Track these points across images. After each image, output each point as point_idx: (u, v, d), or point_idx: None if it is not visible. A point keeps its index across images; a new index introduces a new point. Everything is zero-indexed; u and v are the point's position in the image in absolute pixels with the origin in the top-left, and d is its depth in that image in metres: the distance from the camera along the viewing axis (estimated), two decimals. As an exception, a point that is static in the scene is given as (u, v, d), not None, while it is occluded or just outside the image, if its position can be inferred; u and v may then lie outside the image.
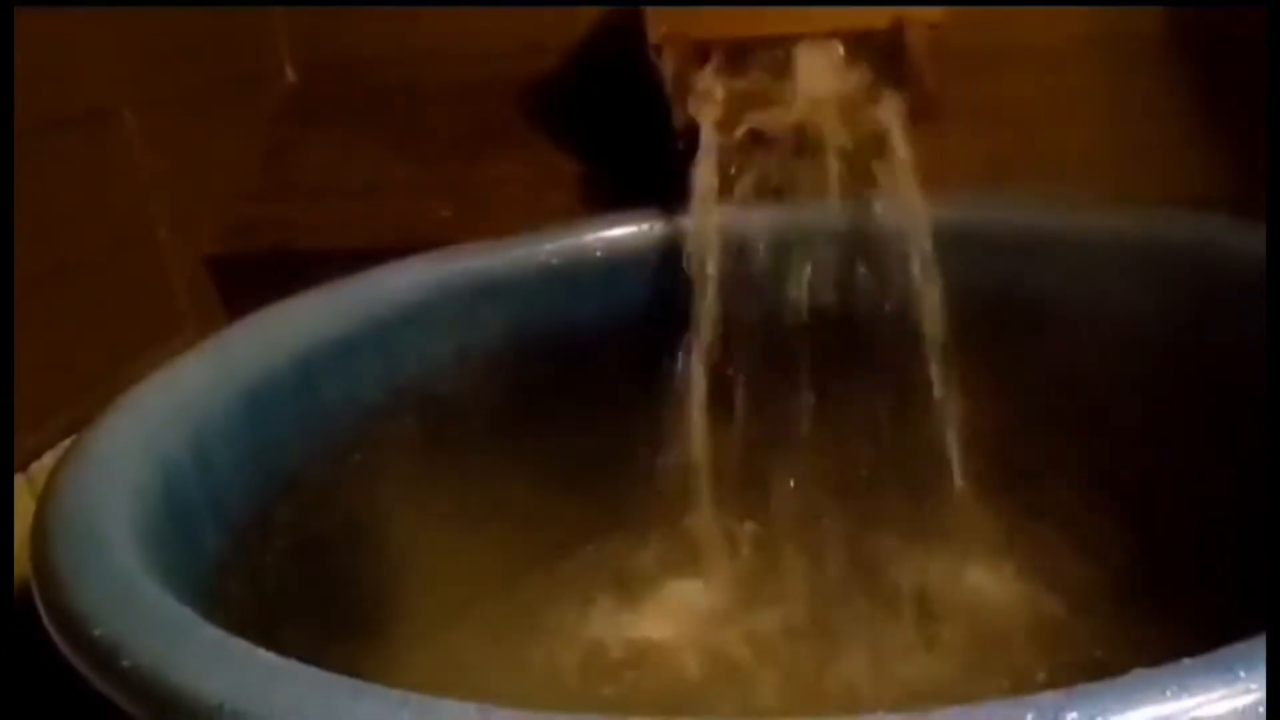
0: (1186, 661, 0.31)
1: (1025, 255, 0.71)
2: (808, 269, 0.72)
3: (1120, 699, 0.30)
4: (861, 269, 0.71)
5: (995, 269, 0.71)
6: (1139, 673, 0.31)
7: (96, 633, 0.40)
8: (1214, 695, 0.30)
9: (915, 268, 0.68)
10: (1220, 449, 0.63)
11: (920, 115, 0.71)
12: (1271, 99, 0.70)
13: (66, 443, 0.55)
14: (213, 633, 0.39)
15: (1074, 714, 0.30)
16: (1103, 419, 0.69)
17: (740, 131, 0.71)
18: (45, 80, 0.72)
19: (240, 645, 0.38)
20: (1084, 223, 0.71)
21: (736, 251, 0.71)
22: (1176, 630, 0.43)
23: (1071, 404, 0.70)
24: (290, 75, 0.95)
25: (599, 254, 0.74)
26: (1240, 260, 0.63)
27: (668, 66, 0.73)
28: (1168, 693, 0.30)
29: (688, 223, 0.72)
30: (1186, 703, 0.30)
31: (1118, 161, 0.76)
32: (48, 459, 0.67)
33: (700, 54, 0.73)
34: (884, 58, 0.72)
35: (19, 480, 0.67)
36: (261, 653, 0.37)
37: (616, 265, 0.74)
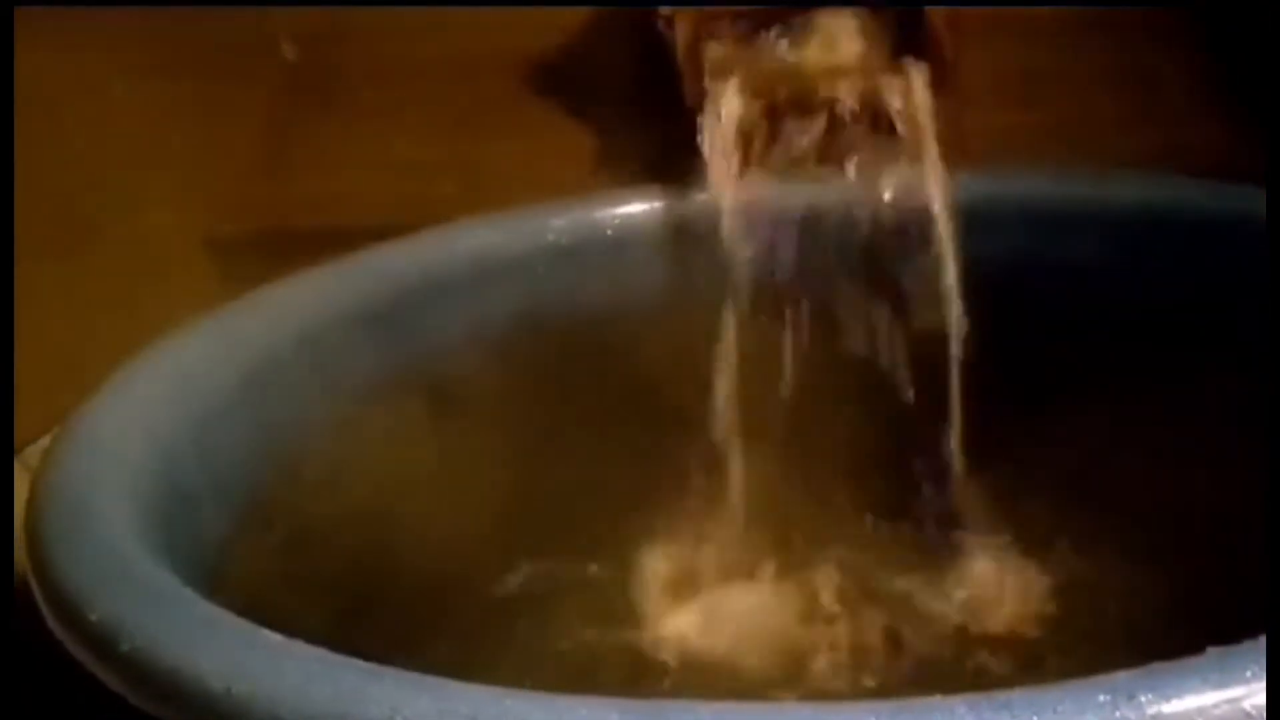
0: (1265, 639, 0.29)
1: (1049, 228, 0.69)
2: (825, 243, 0.70)
3: (1197, 678, 0.28)
4: (880, 243, 0.69)
5: (1019, 242, 0.69)
6: (1215, 651, 0.29)
7: (93, 616, 0.38)
8: (1300, 674, 0.28)
9: (936, 240, 0.66)
10: (1251, 426, 0.62)
11: (939, 86, 0.69)
12: (1272, 96, 0.69)
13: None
14: (216, 613, 0.37)
15: (1149, 694, 0.27)
16: (1126, 397, 0.68)
17: (755, 103, 0.70)
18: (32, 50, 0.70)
19: (245, 626, 0.36)
20: (1110, 194, 0.69)
21: (752, 227, 0.69)
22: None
23: (1090, 379, 0.68)
24: (289, 50, 0.93)
25: (609, 231, 0.72)
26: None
27: (679, 37, 0.71)
28: (1249, 672, 0.28)
29: (701, 198, 0.70)
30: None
31: (1139, 133, 0.75)
32: (42, 443, 0.65)
33: (713, 24, 0.71)
34: (903, 27, 0.71)
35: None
36: (267, 633, 0.35)
37: (627, 243, 0.72)
